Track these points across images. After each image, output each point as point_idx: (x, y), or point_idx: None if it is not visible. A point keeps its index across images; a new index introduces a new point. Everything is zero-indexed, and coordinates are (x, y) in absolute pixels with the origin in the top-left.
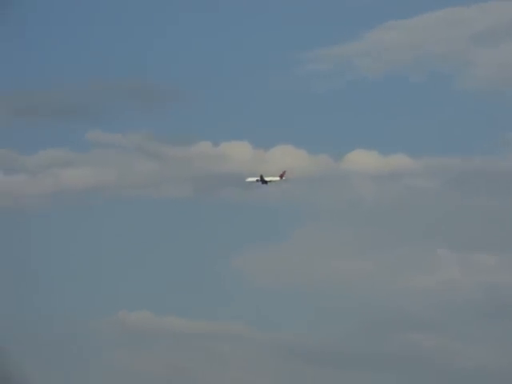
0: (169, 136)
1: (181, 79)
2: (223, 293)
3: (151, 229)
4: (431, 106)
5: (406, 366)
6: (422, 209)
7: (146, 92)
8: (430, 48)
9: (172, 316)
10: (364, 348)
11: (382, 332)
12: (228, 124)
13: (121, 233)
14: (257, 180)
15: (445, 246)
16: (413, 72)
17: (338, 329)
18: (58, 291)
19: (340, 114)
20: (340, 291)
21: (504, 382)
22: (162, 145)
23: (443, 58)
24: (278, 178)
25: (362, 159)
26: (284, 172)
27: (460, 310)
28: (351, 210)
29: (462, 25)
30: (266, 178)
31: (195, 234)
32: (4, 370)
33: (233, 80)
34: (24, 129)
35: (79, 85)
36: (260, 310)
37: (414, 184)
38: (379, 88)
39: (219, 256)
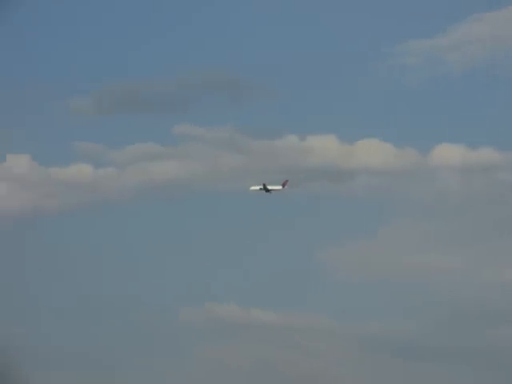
0: (255, 129)
1: (268, 73)
2: (308, 286)
3: (237, 222)
4: None
5: (496, 360)
6: (509, 202)
7: (233, 86)
8: None
9: (258, 309)
10: (450, 341)
11: (468, 326)
12: (315, 117)
13: (207, 225)
14: (260, 188)
15: None
16: (501, 65)
17: (423, 322)
18: (146, 282)
19: (427, 108)
20: (426, 285)
21: None
22: (248, 138)
23: None
24: (280, 187)
25: (449, 153)
26: (286, 181)
27: None
28: (438, 204)
29: None
30: (269, 187)
31: (281, 228)
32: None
33: (320, 73)
34: (112, 124)
35: (167, 79)
36: (344, 303)
37: (501, 177)
38: (467, 81)
39: (304, 249)
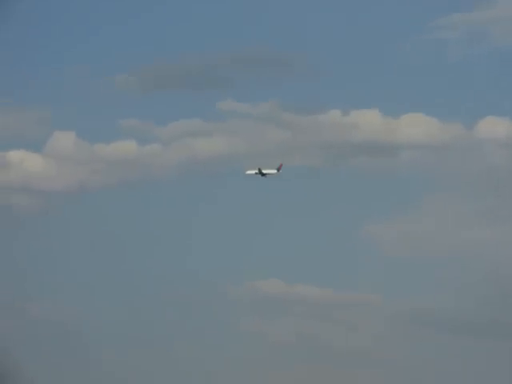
0: (299, 105)
1: (310, 48)
2: (353, 261)
3: (281, 197)
4: None
5: None
6: None
7: (276, 61)
8: None
9: (302, 284)
10: (495, 316)
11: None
12: (358, 92)
13: (252, 201)
14: (255, 173)
15: None
16: None
17: (468, 297)
18: (190, 259)
19: (471, 82)
20: (470, 260)
21: None
22: (291, 114)
23: None
24: (275, 171)
25: (494, 126)
26: (281, 165)
27: None
28: (483, 178)
29: None
30: (264, 171)
31: (325, 203)
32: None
33: (363, 47)
34: (157, 100)
35: (210, 55)
36: (389, 278)
37: None
38: (511, 55)
39: (349, 225)
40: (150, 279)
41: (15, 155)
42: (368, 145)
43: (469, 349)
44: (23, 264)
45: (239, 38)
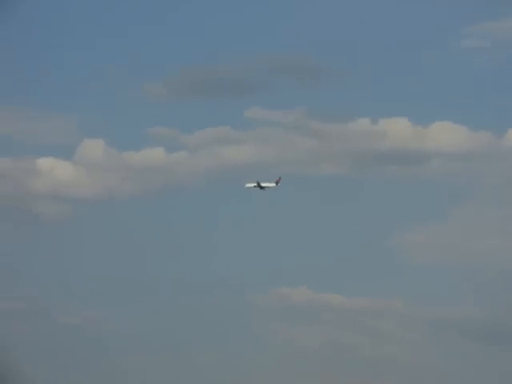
0: (327, 113)
1: (340, 56)
2: (381, 270)
3: (309, 206)
4: None
5: None
6: None
7: (304, 69)
8: None
9: (331, 292)
10: None
11: None
12: (386, 100)
13: (280, 209)
14: (254, 186)
15: None
16: None
17: (494, 306)
18: (218, 266)
19: (500, 90)
20: (496, 268)
21: None
22: (320, 122)
23: None
24: (273, 184)
25: None
26: (279, 179)
27: None
28: (511, 187)
29: None
30: (263, 184)
31: (353, 211)
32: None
33: (391, 56)
34: (185, 108)
35: (239, 63)
36: (418, 286)
37: None
38: None
39: (377, 233)
40: (177, 286)
41: (45, 163)
42: (396, 153)
43: (495, 356)
44: (51, 270)
45: (267, 45)
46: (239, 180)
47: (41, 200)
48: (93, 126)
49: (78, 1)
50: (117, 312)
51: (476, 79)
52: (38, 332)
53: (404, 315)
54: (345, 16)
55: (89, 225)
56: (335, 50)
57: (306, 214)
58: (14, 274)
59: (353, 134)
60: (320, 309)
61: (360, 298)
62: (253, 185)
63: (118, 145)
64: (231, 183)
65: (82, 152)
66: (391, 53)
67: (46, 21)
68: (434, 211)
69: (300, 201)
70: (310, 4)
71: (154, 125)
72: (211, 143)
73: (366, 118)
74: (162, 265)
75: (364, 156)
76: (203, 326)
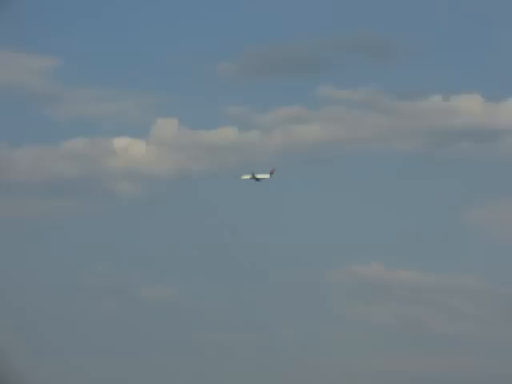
0: (399, 91)
1: (411, 33)
2: (454, 246)
3: (381, 183)
4: None
5: None
6: None
7: (375, 47)
8: None
9: (403, 269)
10: None
11: None
12: (458, 77)
13: (352, 187)
14: (250, 178)
15: None
16: None
17: None
18: (292, 244)
19: None
20: None
21: None
22: (391, 99)
23: None
24: (268, 176)
25: None
26: (273, 169)
27: None
28: None
29: None
30: (258, 176)
31: (426, 188)
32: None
33: (463, 32)
34: (258, 87)
35: (310, 41)
36: (493, 263)
37: None
38: None
39: (450, 210)
40: (253, 265)
41: (120, 142)
42: (469, 130)
43: None
44: (128, 249)
45: (339, 23)
46: (311, 158)
47: (116, 179)
48: (167, 105)
49: None
50: (190, 289)
51: None
52: (118, 307)
53: (480, 292)
54: None
55: (163, 203)
56: (408, 26)
57: (378, 191)
58: (91, 252)
59: (424, 111)
60: (395, 286)
61: (436, 274)
62: (248, 177)
63: (192, 124)
64: (303, 161)
65: (156, 131)
66: (463, 29)
67: (116, 2)
68: (508, 188)
69: (371, 178)
70: None
71: (228, 104)
72: (284, 122)
73: (437, 95)
74: (236, 242)
75: (435, 133)
76: (280, 305)
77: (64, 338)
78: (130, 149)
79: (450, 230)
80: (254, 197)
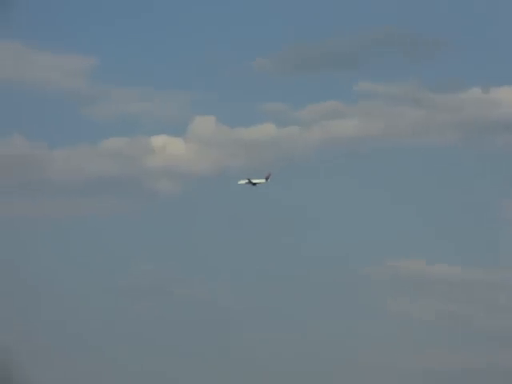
0: (437, 83)
1: (448, 26)
2: (494, 240)
3: (419, 177)
4: None
5: None
6: None
7: (413, 40)
8: None
9: (444, 264)
10: None
11: None
12: (498, 69)
13: (390, 180)
14: (246, 182)
15: None
16: None
17: None
18: (333, 239)
19: None
20: None
21: None
22: (429, 93)
23: None
24: (264, 180)
25: None
26: (269, 174)
27: None
28: None
29: None
30: (254, 180)
31: (465, 182)
32: None
33: (500, 23)
34: (295, 83)
35: (347, 37)
36: None
37: None
38: None
39: (490, 203)
40: (295, 260)
41: (158, 140)
42: (509, 122)
43: None
44: (168, 247)
45: (376, 18)
46: (349, 153)
47: (155, 177)
48: (204, 103)
49: None
50: (231, 286)
51: None
52: (157, 306)
53: None
54: None
55: (201, 200)
56: (444, 20)
57: (416, 186)
58: (131, 251)
59: (464, 104)
60: (434, 280)
61: (475, 269)
62: (244, 182)
63: (229, 121)
64: (342, 157)
65: (193, 129)
66: (501, 19)
67: (153, 1)
68: None
69: (409, 173)
70: None
71: (264, 100)
72: (322, 118)
73: (477, 88)
74: (275, 238)
75: (476, 126)
76: (319, 300)
77: (105, 337)
78: (168, 147)
79: (489, 224)
80: (291, 194)
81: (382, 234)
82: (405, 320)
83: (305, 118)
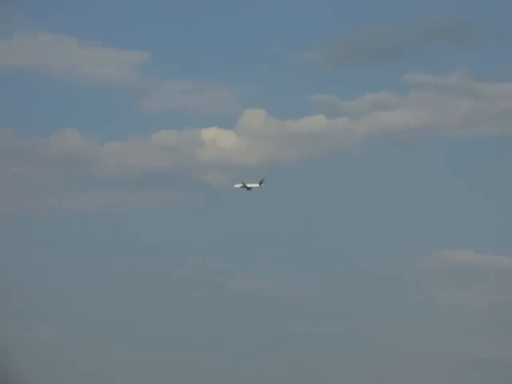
0: (487, 74)
1: (499, 15)
2: None
3: (469, 167)
4: None
5: None
6: None
7: (463, 30)
8: None
9: (494, 254)
10: None
11: None
12: None
13: (440, 172)
14: (241, 186)
15: None
16: None
17: None
18: (382, 230)
19: None
20: None
21: None
22: (480, 83)
23: None
24: (257, 185)
25: None
26: (263, 179)
27: None
28: None
29: None
30: (248, 185)
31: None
32: None
33: None
34: (345, 74)
35: (396, 27)
36: None
37: None
38: None
39: None
40: (342, 252)
41: (209, 133)
42: None
43: None
44: (219, 240)
45: (425, 8)
46: (400, 144)
47: (206, 170)
48: (254, 95)
49: None
50: (284, 279)
51: None
52: (208, 298)
53: None
54: None
55: (253, 193)
56: (494, 9)
57: (467, 176)
58: (183, 243)
59: None
60: (485, 270)
61: None
62: (239, 186)
63: (279, 113)
64: (392, 148)
65: (243, 122)
66: None
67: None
68: None
69: (460, 163)
70: None
71: (314, 93)
72: (372, 109)
73: None
74: (325, 230)
75: None
76: (370, 292)
77: (156, 328)
78: (218, 140)
79: None
80: (343, 186)
81: (432, 224)
82: (457, 309)
83: (355, 110)
